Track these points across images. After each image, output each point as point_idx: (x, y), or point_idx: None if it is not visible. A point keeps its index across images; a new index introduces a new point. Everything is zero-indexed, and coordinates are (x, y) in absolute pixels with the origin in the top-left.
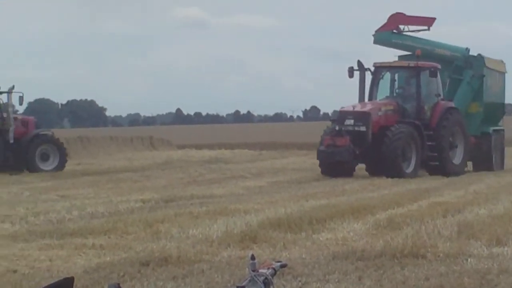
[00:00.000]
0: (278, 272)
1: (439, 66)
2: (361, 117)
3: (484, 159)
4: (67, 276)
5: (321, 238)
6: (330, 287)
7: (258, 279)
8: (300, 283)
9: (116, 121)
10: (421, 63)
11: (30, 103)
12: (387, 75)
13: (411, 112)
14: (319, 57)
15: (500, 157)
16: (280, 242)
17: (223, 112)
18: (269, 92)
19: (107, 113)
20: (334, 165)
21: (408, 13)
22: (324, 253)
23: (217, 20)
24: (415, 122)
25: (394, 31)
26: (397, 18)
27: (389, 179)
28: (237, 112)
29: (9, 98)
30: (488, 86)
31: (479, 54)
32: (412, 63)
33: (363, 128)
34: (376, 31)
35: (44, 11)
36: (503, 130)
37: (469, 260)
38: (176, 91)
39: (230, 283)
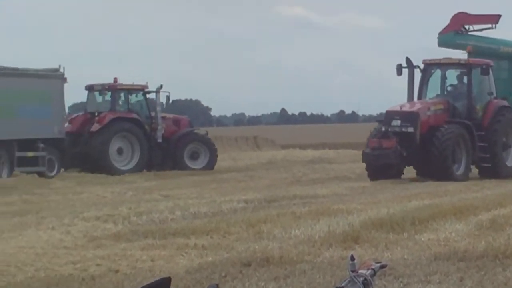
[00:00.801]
0: (377, 273)
1: (492, 63)
2: (408, 117)
3: None
4: (168, 276)
5: (423, 239)
6: None
7: (357, 280)
8: (401, 284)
9: (221, 121)
10: (472, 60)
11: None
12: (438, 73)
13: (462, 111)
14: (426, 57)
15: None
16: (382, 242)
17: (327, 112)
18: (374, 92)
19: (212, 113)
20: (381, 168)
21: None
22: (426, 253)
23: (322, 20)
24: (466, 122)
25: (460, 31)
26: (460, 18)
27: (493, 180)
28: (341, 112)
29: (157, 97)
30: None
31: None
32: (463, 60)
33: (410, 129)
34: (439, 33)
35: (150, 12)
36: None
37: None
38: (281, 91)
39: (331, 284)
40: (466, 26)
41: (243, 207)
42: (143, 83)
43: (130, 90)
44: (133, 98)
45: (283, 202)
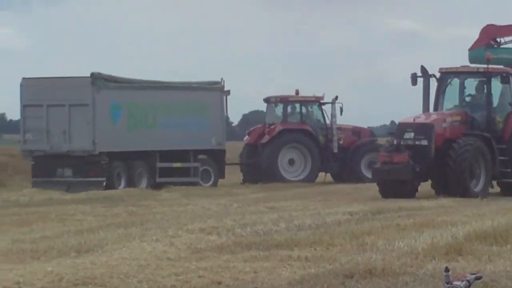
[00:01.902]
0: (472, 285)
1: None
2: (422, 129)
3: None
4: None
5: None
6: None
7: None
8: None
9: None
10: (491, 67)
11: (244, 115)
12: (456, 82)
13: (481, 123)
14: None
15: None
16: (485, 254)
17: None
18: None
19: None
20: (392, 184)
21: None
22: None
23: (430, 32)
24: (485, 135)
25: (490, 45)
26: (489, 31)
27: None
28: None
29: (332, 108)
30: None
31: None
32: (481, 68)
33: (424, 142)
34: (469, 49)
35: (262, 27)
36: None
37: None
38: (390, 103)
39: None
40: (498, 39)
41: (347, 219)
42: (320, 95)
43: (303, 101)
44: (307, 110)
45: (388, 214)
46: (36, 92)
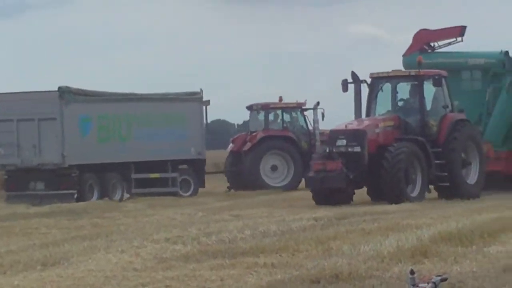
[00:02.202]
0: (438, 286)
1: (445, 74)
2: (354, 136)
3: None
4: None
5: (492, 251)
6: None
7: None
8: None
9: None
10: (423, 71)
11: (207, 124)
12: (387, 87)
13: (415, 127)
14: None
15: None
16: (451, 256)
17: None
18: None
19: None
20: (327, 192)
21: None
22: (495, 266)
23: (391, 37)
24: (419, 139)
25: (424, 50)
26: (422, 36)
27: None
28: None
29: (314, 114)
30: None
31: None
32: (413, 72)
33: (357, 149)
34: (403, 55)
35: (229, 37)
36: None
37: None
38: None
39: None
40: (432, 44)
41: (312, 224)
42: (302, 101)
43: (285, 108)
44: (290, 116)
45: (352, 219)
46: (6, 107)
